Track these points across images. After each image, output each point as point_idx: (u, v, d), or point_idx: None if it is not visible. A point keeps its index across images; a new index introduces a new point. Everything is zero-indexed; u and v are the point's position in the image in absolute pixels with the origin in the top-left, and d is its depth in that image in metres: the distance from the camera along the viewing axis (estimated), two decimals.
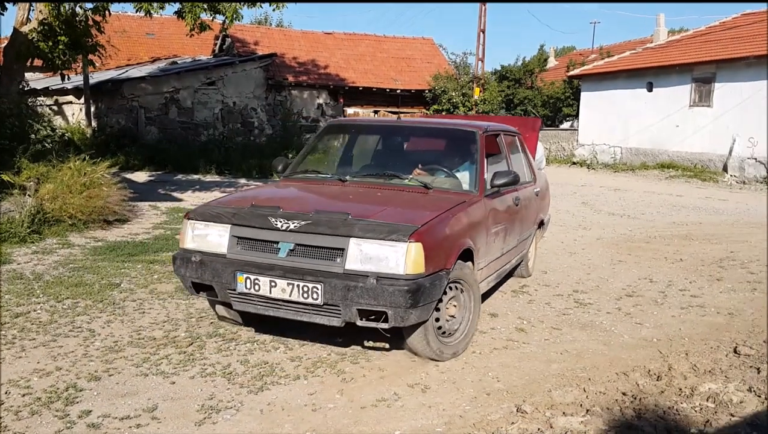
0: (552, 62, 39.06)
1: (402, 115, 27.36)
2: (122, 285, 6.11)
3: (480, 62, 27.47)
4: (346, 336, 4.65)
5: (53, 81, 22.52)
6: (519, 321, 5.39)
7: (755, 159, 18.69)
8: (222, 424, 3.47)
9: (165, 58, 27.36)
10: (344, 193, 5.01)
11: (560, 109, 28.36)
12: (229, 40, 27.08)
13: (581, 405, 3.73)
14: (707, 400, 3.78)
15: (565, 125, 28.33)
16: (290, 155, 21.26)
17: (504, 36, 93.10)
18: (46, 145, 11.46)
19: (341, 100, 26.30)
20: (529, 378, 4.15)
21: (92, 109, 21.24)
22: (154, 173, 18.15)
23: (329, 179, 5.41)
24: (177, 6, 11.92)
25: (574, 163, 24.45)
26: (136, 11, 12.17)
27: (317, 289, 3.93)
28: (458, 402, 3.80)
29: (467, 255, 4.55)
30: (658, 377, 4.16)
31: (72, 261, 7.01)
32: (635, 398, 3.82)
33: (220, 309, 4.91)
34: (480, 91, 27.06)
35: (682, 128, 21.03)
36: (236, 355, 4.42)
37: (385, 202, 4.58)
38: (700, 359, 4.49)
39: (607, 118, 23.64)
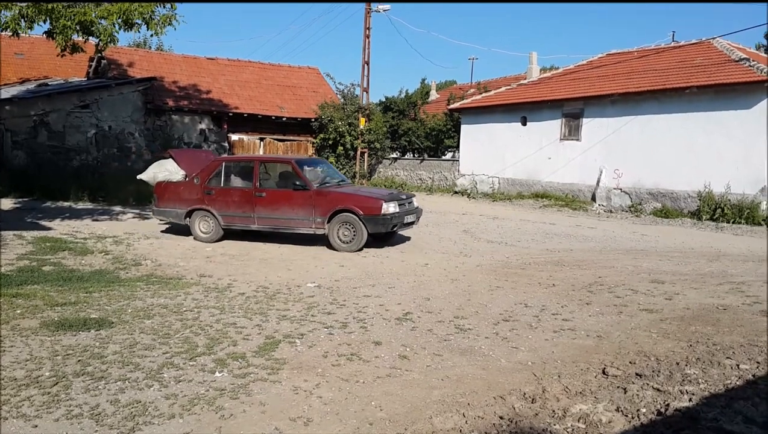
0: (434, 95, 40.36)
1: (289, 142, 27.28)
2: None
3: (365, 93, 27.90)
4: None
5: None
6: (402, 348, 5.43)
7: (620, 189, 20.07)
8: None
9: (35, 79, 25.83)
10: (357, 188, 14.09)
11: (442, 140, 29.23)
12: (104, 61, 25.98)
13: (461, 430, 3.79)
14: (578, 421, 3.94)
15: (448, 156, 29.24)
16: None
17: (388, 68, 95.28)
18: None
19: (225, 126, 25.81)
20: (411, 406, 4.18)
21: None
22: (20, 200, 17.01)
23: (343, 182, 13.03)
24: (47, 26, 11.32)
25: (456, 192, 25.24)
26: (1, 30, 11.44)
27: (417, 214, 12.14)
28: None
29: None
30: (533, 399, 4.30)
31: None
32: (511, 421, 3.93)
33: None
34: (365, 121, 27.44)
35: (553, 160, 22.25)
36: (106, 395, 4.16)
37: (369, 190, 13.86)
38: (571, 381, 4.68)
39: (486, 150, 24.64)
